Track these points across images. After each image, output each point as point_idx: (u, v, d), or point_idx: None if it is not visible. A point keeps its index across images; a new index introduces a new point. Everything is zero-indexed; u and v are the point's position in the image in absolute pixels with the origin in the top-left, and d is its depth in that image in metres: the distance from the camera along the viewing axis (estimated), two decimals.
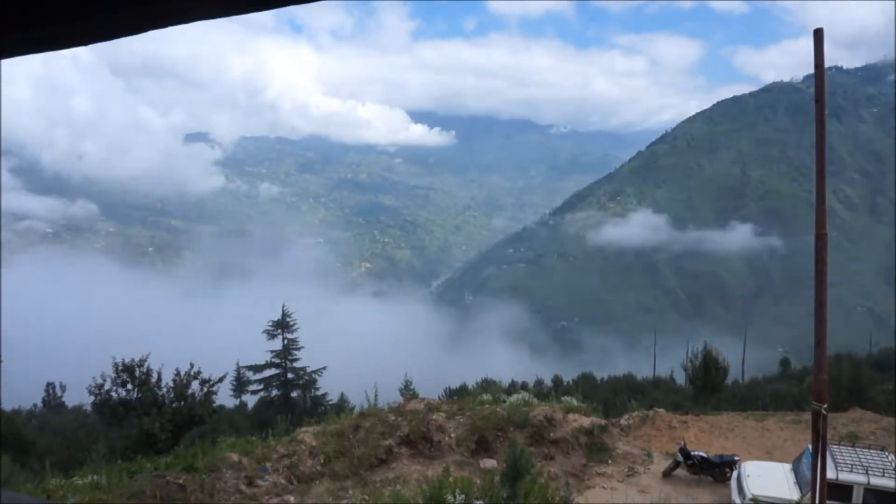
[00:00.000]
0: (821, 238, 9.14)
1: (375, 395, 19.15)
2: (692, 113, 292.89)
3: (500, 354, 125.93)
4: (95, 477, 13.25)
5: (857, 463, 14.05)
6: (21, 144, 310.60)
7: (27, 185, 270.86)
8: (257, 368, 28.98)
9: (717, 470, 16.82)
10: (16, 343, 41.54)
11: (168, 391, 19.20)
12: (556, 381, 34.04)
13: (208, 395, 19.88)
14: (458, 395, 26.31)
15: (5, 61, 1.39)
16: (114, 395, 19.00)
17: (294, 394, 29.35)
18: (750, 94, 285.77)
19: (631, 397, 26.16)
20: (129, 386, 18.98)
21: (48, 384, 34.55)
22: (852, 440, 16.51)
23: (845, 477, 13.72)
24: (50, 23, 1.21)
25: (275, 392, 28.94)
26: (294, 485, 14.78)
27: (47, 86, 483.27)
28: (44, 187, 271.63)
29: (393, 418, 17.34)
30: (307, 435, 16.33)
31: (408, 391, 26.56)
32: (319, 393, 29.93)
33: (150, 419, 18.10)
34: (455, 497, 11.76)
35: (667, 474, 16.92)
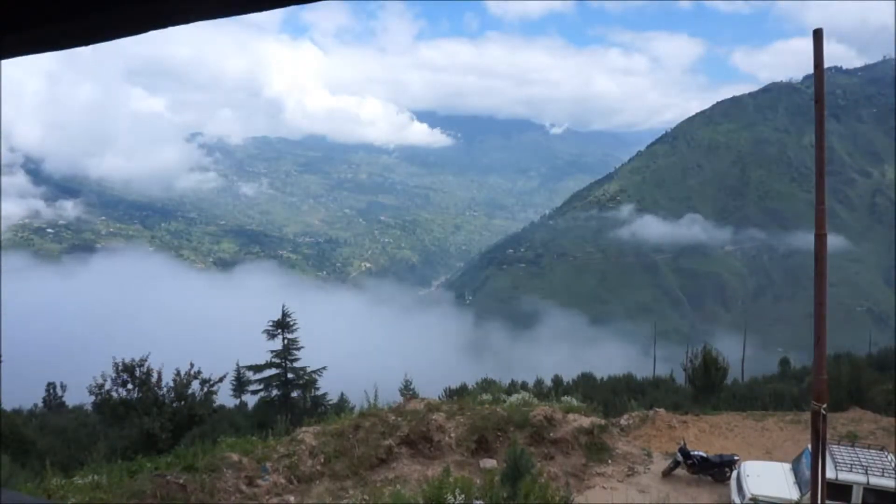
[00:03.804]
0: (820, 238, 9.15)
1: (375, 395, 19.15)
2: (692, 113, 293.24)
3: (500, 354, 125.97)
4: (96, 477, 13.24)
5: (856, 463, 14.05)
6: (21, 144, 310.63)
7: (27, 184, 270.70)
8: (257, 368, 28.91)
9: (717, 470, 16.83)
10: (16, 343, 41.49)
11: (168, 391, 19.23)
12: (556, 381, 33.83)
13: (208, 395, 19.93)
14: (458, 394, 26.26)
15: (5, 61, 1.39)
16: (114, 394, 19.00)
17: (294, 394, 29.28)
18: (750, 94, 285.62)
19: (631, 397, 26.14)
20: (130, 386, 19.01)
21: (48, 384, 34.39)
22: (852, 440, 16.51)
23: (845, 477, 13.73)
24: (50, 23, 1.22)
25: (275, 392, 28.88)
26: (294, 485, 14.77)
27: (48, 85, 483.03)
28: (43, 187, 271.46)
29: (393, 418, 17.33)
30: (307, 435, 16.32)
31: (408, 391, 26.58)
32: (319, 393, 29.88)
33: (150, 419, 18.13)
34: (455, 497, 11.75)
35: (666, 474, 16.92)
